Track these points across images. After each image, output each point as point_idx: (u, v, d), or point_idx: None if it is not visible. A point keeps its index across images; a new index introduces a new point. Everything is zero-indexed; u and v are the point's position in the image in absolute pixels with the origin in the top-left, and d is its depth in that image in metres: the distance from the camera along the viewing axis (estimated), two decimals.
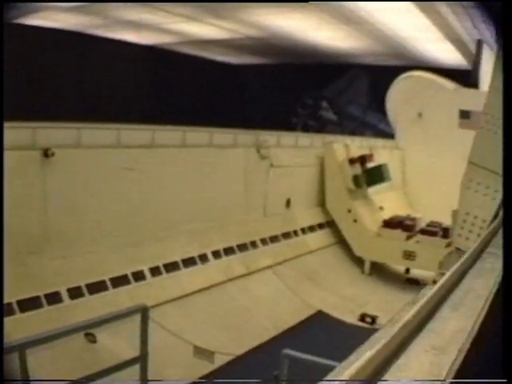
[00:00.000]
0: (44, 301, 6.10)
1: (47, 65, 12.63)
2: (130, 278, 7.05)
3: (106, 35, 14.44)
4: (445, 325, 1.96)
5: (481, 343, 1.92)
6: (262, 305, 8.16)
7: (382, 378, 1.48)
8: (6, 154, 5.05)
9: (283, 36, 23.62)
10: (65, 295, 6.33)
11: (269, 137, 10.07)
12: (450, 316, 2.06)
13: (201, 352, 6.06)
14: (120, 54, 15.45)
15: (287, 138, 10.86)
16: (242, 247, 8.99)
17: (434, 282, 3.58)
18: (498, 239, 3.62)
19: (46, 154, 6.57)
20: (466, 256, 2.81)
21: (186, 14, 13.57)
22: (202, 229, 8.39)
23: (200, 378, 5.90)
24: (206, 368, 6.08)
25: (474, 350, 1.80)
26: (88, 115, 8.80)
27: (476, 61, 16.93)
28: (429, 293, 2.13)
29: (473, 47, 18.93)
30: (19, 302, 5.84)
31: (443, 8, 17.25)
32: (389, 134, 17.20)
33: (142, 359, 4.22)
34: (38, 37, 12.64)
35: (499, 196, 5.12)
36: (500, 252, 3.14)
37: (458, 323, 1.97)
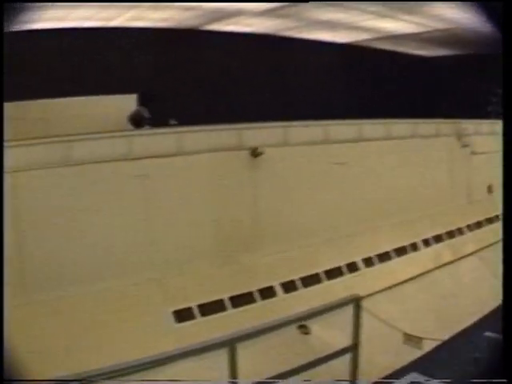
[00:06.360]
0: (258, 296, 6.39)
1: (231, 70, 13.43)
2: (344, 269, 7.11)
3: (299, 36, 14.92)
4: None
5: None
6: (467, 290, 7.89)
7: None
8: (215, 156, 5.18)
9: (467, 27, 22.04)
10: (278, 289, 6.56)
11: (468, 125, 10.04)
12: None
13: (410, 339, 5.94)
14: (315, 54, 15.76)
15: (485, 125, 10.65)
16: (449, 234, 8.75)
17: None
18: None
19: (254, 153, 6.73)
20: None
21: (377, 12, 13.33)
22: (411, 218, 8.34)
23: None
24: (414, 354, 5.90)
25: None
26: (284, 115, 8.93)
27: None
28: None
29: None
30: (232, 298, 6.19)
31: None
32: None
33: (353, 348, 4.22)
34: (233, 42, 13.55)
35: None
36: None
37: None
